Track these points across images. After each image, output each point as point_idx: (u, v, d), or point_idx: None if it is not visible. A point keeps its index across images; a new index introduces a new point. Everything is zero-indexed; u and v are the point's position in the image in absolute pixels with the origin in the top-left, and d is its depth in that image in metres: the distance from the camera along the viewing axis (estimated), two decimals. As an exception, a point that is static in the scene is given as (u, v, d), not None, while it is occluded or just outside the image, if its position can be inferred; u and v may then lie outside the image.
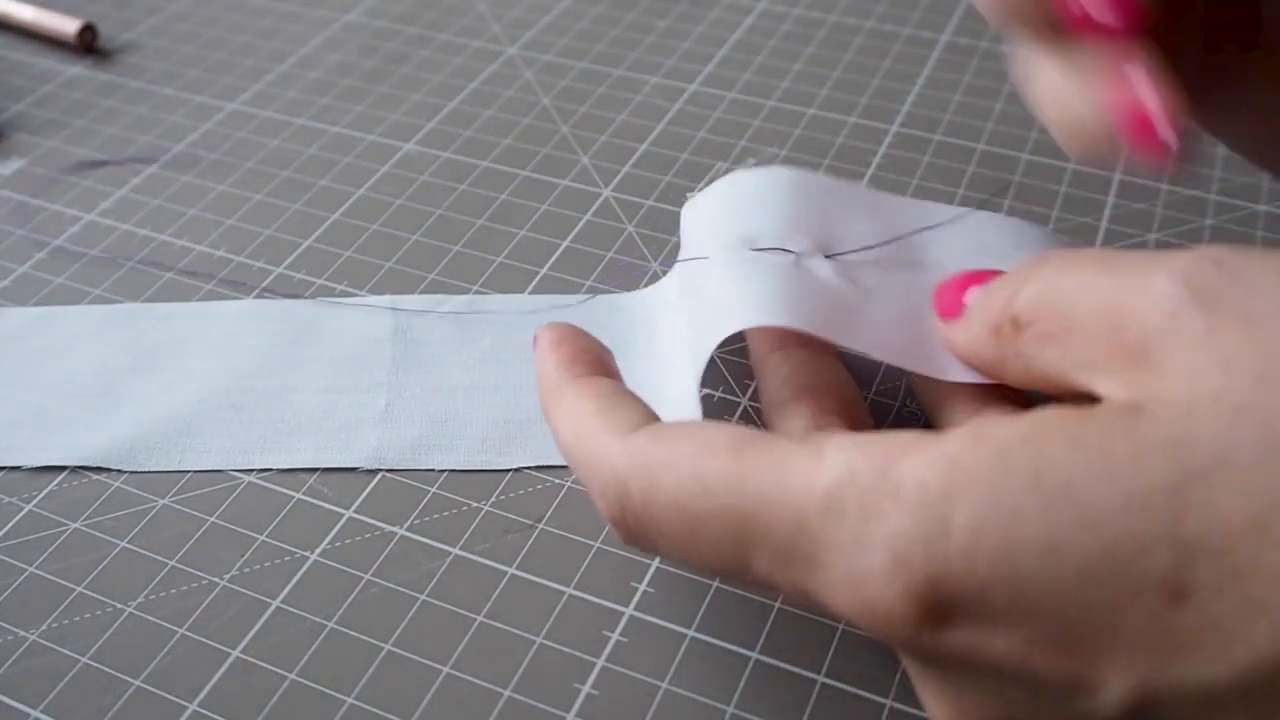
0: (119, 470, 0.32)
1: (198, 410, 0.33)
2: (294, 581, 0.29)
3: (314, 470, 0.31)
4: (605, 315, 0.35)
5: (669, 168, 0.42)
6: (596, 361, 0.26)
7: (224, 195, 0.42)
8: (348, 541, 0.30)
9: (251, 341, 0.35)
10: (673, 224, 0.39)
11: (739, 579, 0.23)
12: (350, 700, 0.26)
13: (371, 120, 0.46)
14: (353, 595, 0.28)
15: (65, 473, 0.32)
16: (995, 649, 0.18)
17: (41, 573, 0.29)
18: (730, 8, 0.52)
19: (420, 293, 0.37)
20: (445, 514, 0.30)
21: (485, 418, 0.32)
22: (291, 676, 0.27)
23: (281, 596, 0.28)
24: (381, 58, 0.50)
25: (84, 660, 0.27)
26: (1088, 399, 0.20)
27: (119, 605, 0.28)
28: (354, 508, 0.30)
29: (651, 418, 0.24)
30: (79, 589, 0.29)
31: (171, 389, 0.34)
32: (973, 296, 0.25)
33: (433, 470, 0.31)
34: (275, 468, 0.32)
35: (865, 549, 0.19)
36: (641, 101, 0.46)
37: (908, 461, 0.19)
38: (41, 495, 0.31)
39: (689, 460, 0.21)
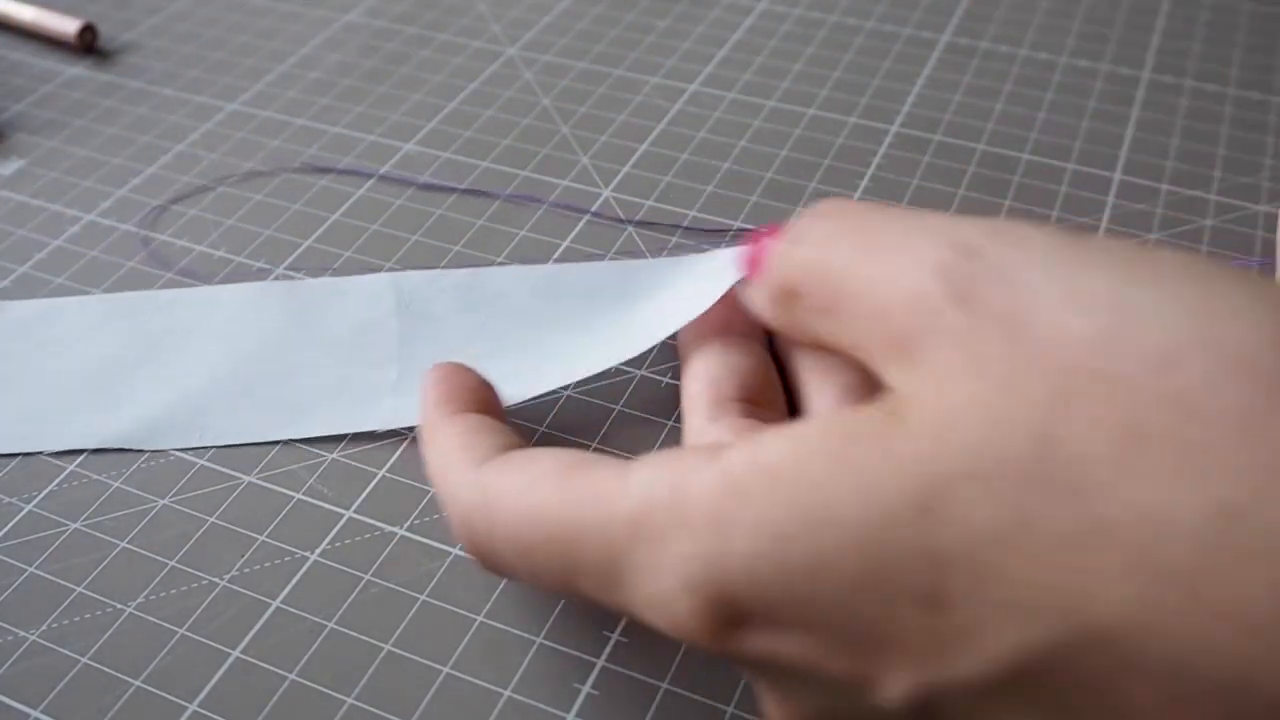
0: (121, 470, 0.32)
1: (210, 392, 0.33)
2: (294, 581, 0.29)
3: (314, 470, 0.31)
4: (606, 277, 0.35)
5: (669, 168, 0.42)
6: (473, 398, 0.28)
7: (225, 195, 0.42)
8: (348, 541, 0.30)
9: (256, 324, 0.35)
10: (673, 225, 0.39)
11: (583, 601, 0.25)
12: (350, 700, 0.26)
13: (371, 120, 0.46)
14: (353, 595, 0.28)
15: (65, 473, 0.32)
16: (788, 653, 0.19)
17: (41, 573, 0.29)
18: (730, 8, 0.52)
19: (420, 293, 0.37)
20: (445, 514, 0.30)
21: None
22: (291, 676, 0.27)
23: (281, 596, 0.28)
24: (381, 58, 0.50)
25: (84, 660, 0.27)
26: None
27: (119, 605, 0.28)
28: (354, 508, 0.30)
29: (511, 446, 0.25)
30: (79, 589, 0.29)
31: (180, 375, 0.34)
32: (765, 255, 0.25)
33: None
34: (295, 438, 0.32)
35: (660, 572, 0.20)
36: (641, 101, 0.46)
37: (693, 485, 0.20)
38: (41, 495, 0.31)
39: (519, 492, 0.23)
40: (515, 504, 0.23)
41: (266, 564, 0.29)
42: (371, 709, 0.26)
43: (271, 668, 0.27)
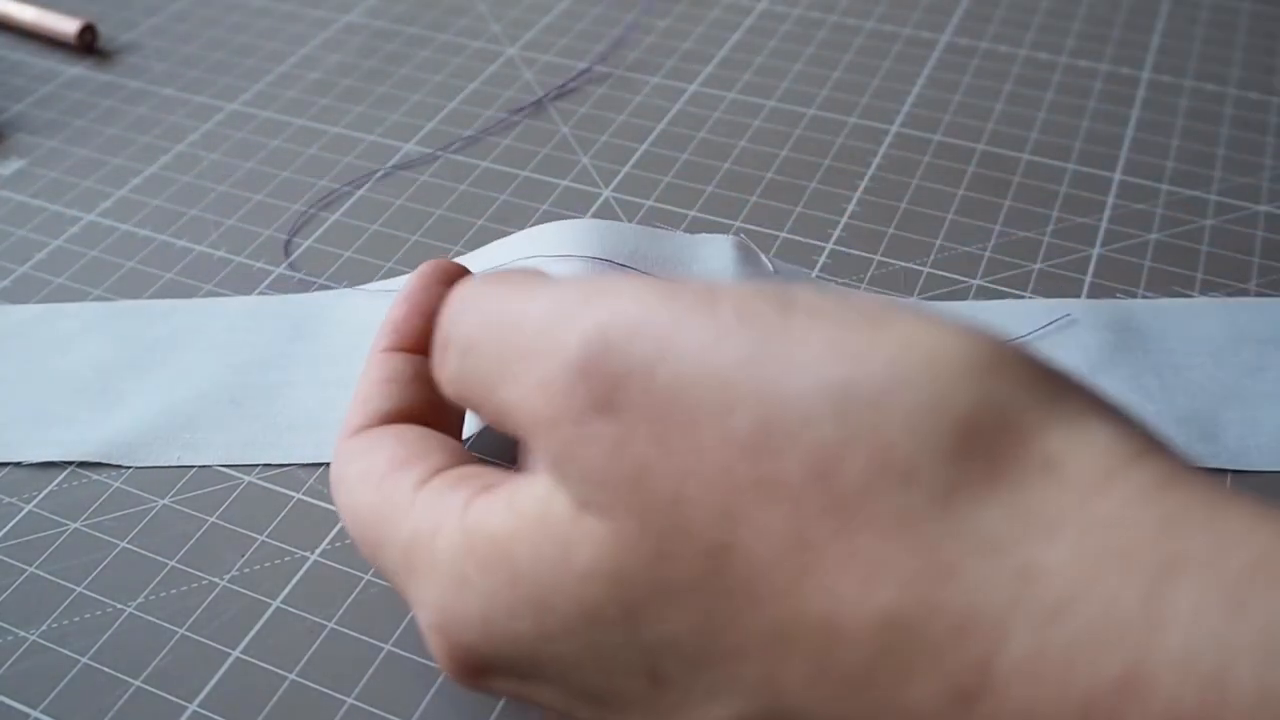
0: (121, 470, 0.32)
1: (197, 406, 0.33)
2: (294, 581, 0.29)
3: (314, 470, 0.31)
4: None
5: (669, 168, 0.42)
6: (423, 327, 0.26)
7: (224, 195, 0.42)
8: (348, 541, 0.30)
9: (250, 337, 0.35)
10: (673, 224, 0.39)
11: None
12: (350, 700, 0.26)
13: (371, 120, 0.46)
14: (353, 595, 0.28)
15: (65, 473, 0.32)
16: (538, 698, 0.20)
17: (41, 573, 0.29)
18: (730, 8, 0.52)
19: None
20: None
21: None
22: (291, 676, 0.27)
23: (281, 596, 0.28)
24: (381, 58, 0.50)
25: (84, 660, 0.27)
26: None
27: (119, 605, 0.28)
28: (354, 508, 0.30)
29: (403, 410, 0.25)
30: (79, 589, 0.29)
31: (171, 385, 0.34)
32: None
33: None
34: (275, 463, 0.32)
35: (418, 606, 0.21)
36: (641, 101, 0.46)
37: (443, 533, 0.21)
38: (41, 495, 0.31)
39: (353, 485, 0.23)
40: (346, 496, 0.24)
41: (266, 564, 0.29)
42: (371, 709, 0.26)
43: (271, 668, 0.27)
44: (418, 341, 0.26)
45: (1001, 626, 0.15)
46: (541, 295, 0.20)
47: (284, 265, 0.38)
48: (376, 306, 0.36)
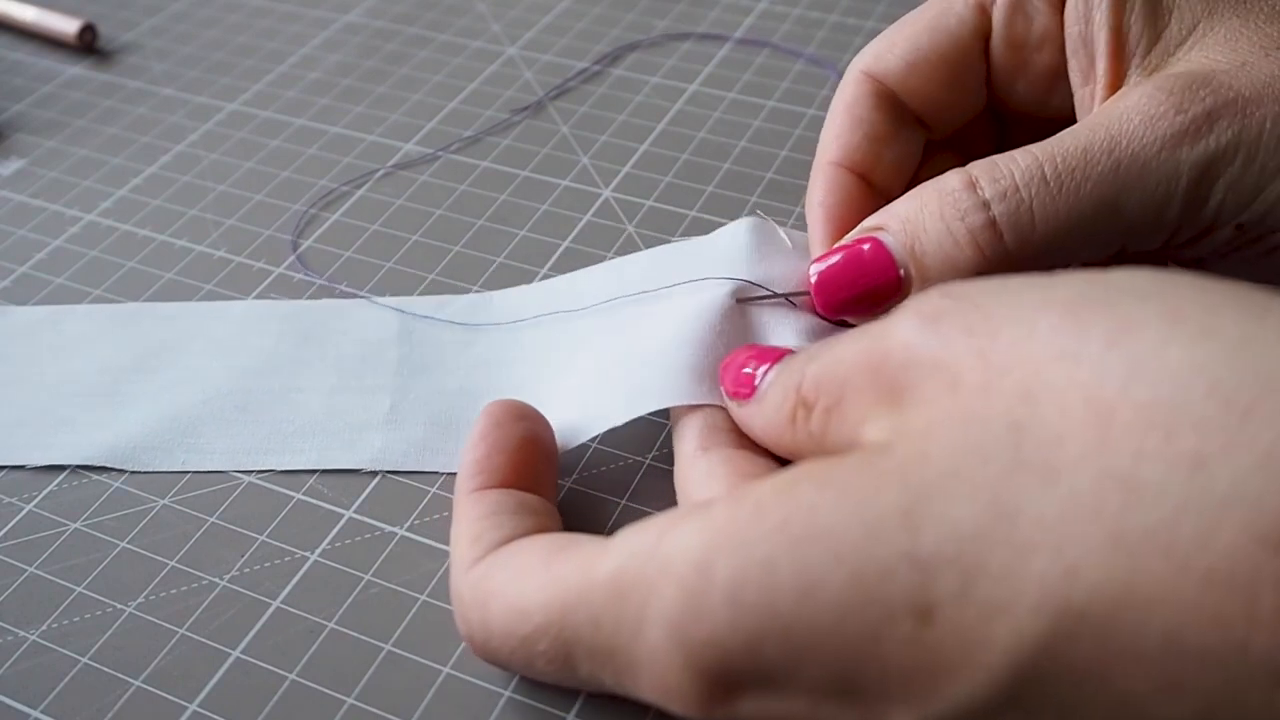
0: (121, 470, 0.32)
1: (202, 411, 0.33)
2: (294, 581, 0.29)
3: (314, 470, 0.31)
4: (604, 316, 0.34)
5: (669, 168, 0.42)
6: (506, 463, 0.27)
7: (224, 195, 0.42)
8: (348, 542, 0.30)
9: (257, 341, 0.35)
10: (674, 224, 0.39)
11: (587, 688, 0.24)
12: (350, 700, 0.26)
13: (371, 120, 0.46)
14: (353, 595, 0.28)
15: (65, 473, 0.32)
16: (785, 711, 0.19)
17: (41, 573, 0.29)
18: (730, 8, 0.52)
19: (420, 293, 0.37)
20: (445, 514, 0.30)
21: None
22: (291, 676, 0.27)
23: (281, 596, 0.28)
24: (381, 58, 0.50)
25: (84, 660, 0.27)
26: None
27: (119, 605, 0.28)
28: (354, 508, 0.30)
29: (526, 529, 0.25)
30: (79, 589, 0.29)
31: (176, 389, 0.34)
32: (766, 381, 0.25)
33: (433, 471, 0.31)
34: (278, 469, 0.31)
35: (646, 628, 0.20)
36: (641, 101, 0.46)
37: (675, 533, 0.20)
38: (41, 495, 0.31)
39: (507, 588, 0.23)
40: (504, 601, 0.23)
41: (266, 564, 0.29)
42: (371, 709, 0.26)
43: (271, 667, 0.27)
44: (505, 477, 0.26)
45: None
46: (866, 328, 0.22)
47: (284, 265, 0.38)
48: (385, 319, 0.36)
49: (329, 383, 0.34)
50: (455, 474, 0.31)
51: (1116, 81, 0.27)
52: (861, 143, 0.31)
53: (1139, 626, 0.16)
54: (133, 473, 0.31)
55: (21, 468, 0.32)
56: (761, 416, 0.25)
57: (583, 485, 0.31)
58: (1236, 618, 0.15)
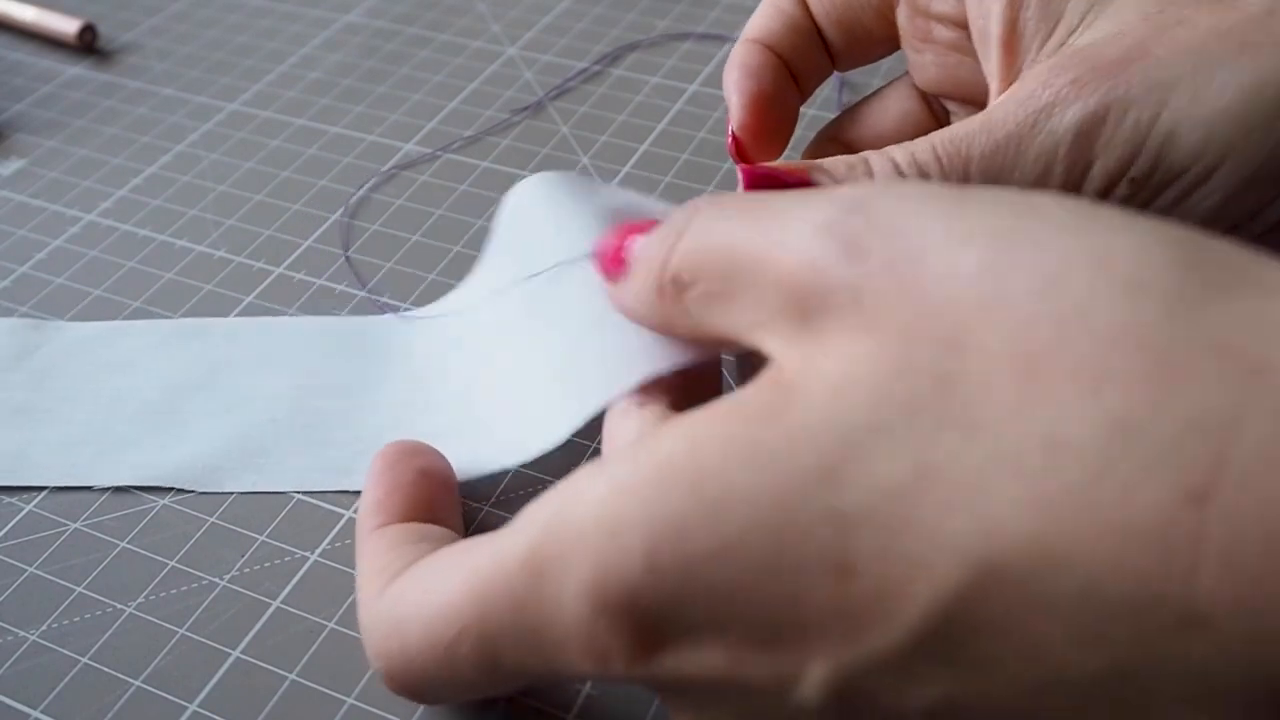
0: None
1: (270, 430, 0.32)
2: (294, 581, 0.29)
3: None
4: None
5: (669, 168, 0.42)
6: (403, 499, 0.27)
7: (224, 195, 0.42)
8: (348, 541, 0.30)
9: (319, 360, 0.35)
10: (673, 224, 0.39)
11: (513, 686, 0.24)
12: (350, 700, 0.26)
13: (371, 120, 0.46)
14: (353, 595, 0.28)
15: (65, 473, 0.32)
16: (707, 665, 0.19)
17: (41, 573, 0.29)
18: (730, 8, 0.52)
19: (420, 293, 0.37)
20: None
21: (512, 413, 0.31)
22: (291, 676, 0.27)
23: (281, 596, 0.28)
24: (381, 58, 0.50)
25: (84, 660, 0.27)
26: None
27: (119, 605, 0.28)
28: (354, 508, 0.30)
29: (421, 558, 0.24)
30: (79, 589, 0.29)
31: (241, 407, 0.33)
32: (633, 251, 0.24)
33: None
34: (351, 489, 0.31)
35: (566, 600, 0.19)
36: (641, 101, 0.46)
37: (582, 501, 0.20)
38: (42, 495, 0.31)
39: (424, 600, 0.22)
40: (421, 616, 0.22)
41: (266, 564, 0.29)
42: (371, 709, 0.26)
43: (271, 667, 0.27)
44: (404, 512, 0.26)
45: (1236, 422, 0.15)
46: (756, 214, 0.21)
47: (284, 265, 0.38)
48: (436, 332, 0.35)
49: (394, 399, 0.33)
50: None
51: (1008, 74, 0.28)
52: (782, 30, 0.33)
53: (1056, 581, 0.16)
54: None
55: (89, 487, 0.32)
56: (630, 290, 0.24)
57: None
58: (1153, 571, 0.15)
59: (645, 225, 0.24)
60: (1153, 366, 0.16)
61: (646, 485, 0.19)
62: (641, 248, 0.24)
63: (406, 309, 0.36)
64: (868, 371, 0.18)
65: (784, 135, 0.33)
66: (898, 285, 0.18)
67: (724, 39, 0.49)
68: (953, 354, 0.17)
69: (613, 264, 0.25)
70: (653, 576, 0.18)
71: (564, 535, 0.20)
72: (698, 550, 0.18)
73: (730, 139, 0.32)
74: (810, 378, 0.18)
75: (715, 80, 0.47)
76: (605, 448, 0.25)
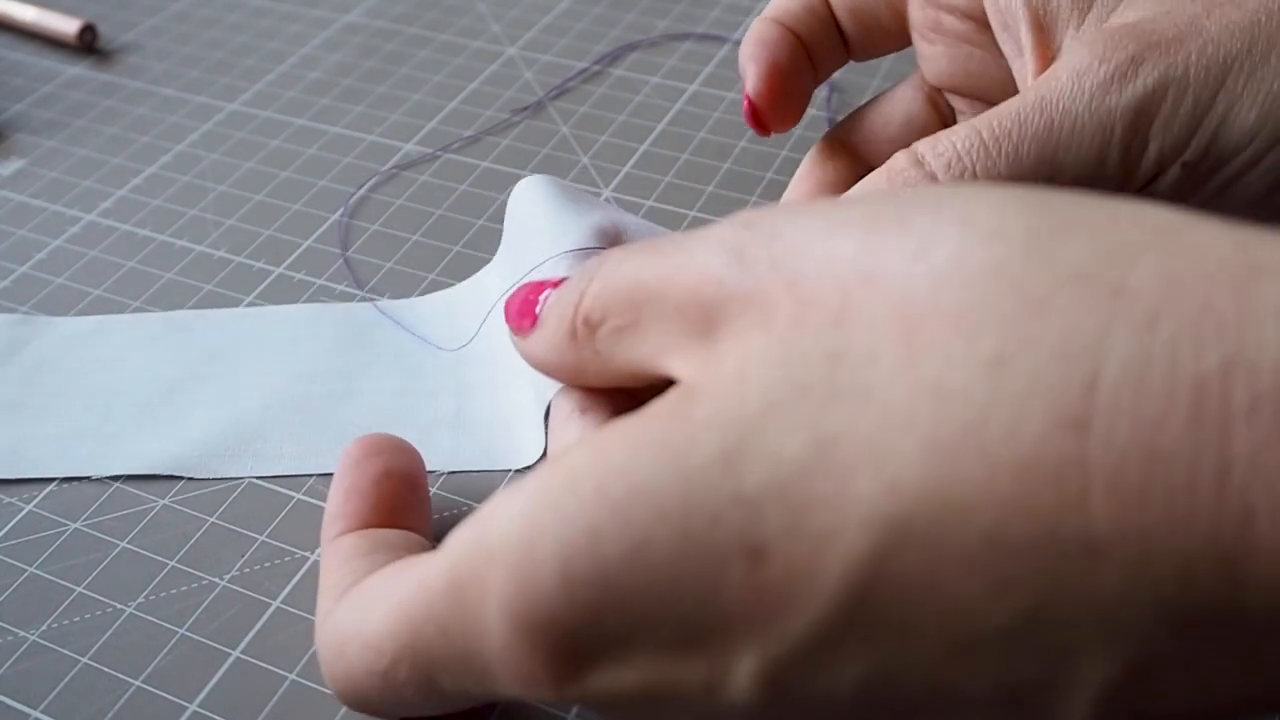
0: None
1: (264, 416, 0.33)
2: (294, 581, 0.29)
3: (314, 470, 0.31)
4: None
5: (669, 168, 0.42)
6: (363, 504, 0.26)
7: (224, 195, 0.42)
8: (348, 541, 0.30)
9: (311, 346, 0.35)
10: (674, 224, 0.39)
11: (459, 706, 0.24)
12: (350, 700, 0.26)
13: (371, 120, 0.46)
14: (353, 595, 0.28)
15: (65, 473, 0.32)
16: (634, 679, 0.18)
17: (41, 573, 0.29)
18: (730, 8, 0.52)
19: (421, 293, 0.37)
20: (445, 514, 0.30)
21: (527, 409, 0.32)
22: (291, 677, 0.27)
23: (281, 596, 0.28)
24: (381, 58, 0.50)
25: (84, 660, 0.27)
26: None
27: (119, 605, 0.28)
28: (354, 508, 0.30)
29: (369, 574, 0.24)
30: (79, 589, 0.29)
31: (235, 396, 0.33)
32: (544, 304, 0.24)
33: (432, 472, 0.31)
34: None
35: (488, 622, 0.19)
36: (641, 101, 0.46)
37: (498, 518, 0.19)
38: (41, 495, 0.31)
39: (360, 627, 0.22)
40: (358, 641, 0.22)
41: (266, 564, 0.29)
42: (371, 709, 0.26)
43: (271, 667, 0.27)
44: (364, 518, 0.26)
45: (1101, 343, 0.16)
46: (660, 249, 0.21)
47: (284, 265, 0.38)
48: (436, 319, 0.35)
49: (391, 384, 0.33)
50: (455, 472, 0.31)
51: (1045, 51, 0.27)
52: (800, 12, 0.33)
53: (962, 530, 0.16)
54: (132, 473, 0.31)
55: (86, 479, 0.32)
56: (541, 340, 0.24)
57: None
58: (1049, 504, 0.15)
59: (555, 281, 0.25)
60: (1020, 303, 0.16)
61: (557, 494, 0.19)
62: (554, 297, 0.24)
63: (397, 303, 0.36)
64: (759, 360, 0.18)
65: (799, 106, 0.33)
66: (784, 280, 0.19)
67: (724, 39, 0.49)
68: (838, 331, 0.18)
69: (521, 317, 0.25)
70: (569, 590, 0.18)
71: (481, 555, 0.19)
72: (611, 555, 0.18)
73: (746, 104, 0.32)
74: (709, 378, 0.19)
75: (715, 80, 0.47)
76: (550, 459, 0.25)
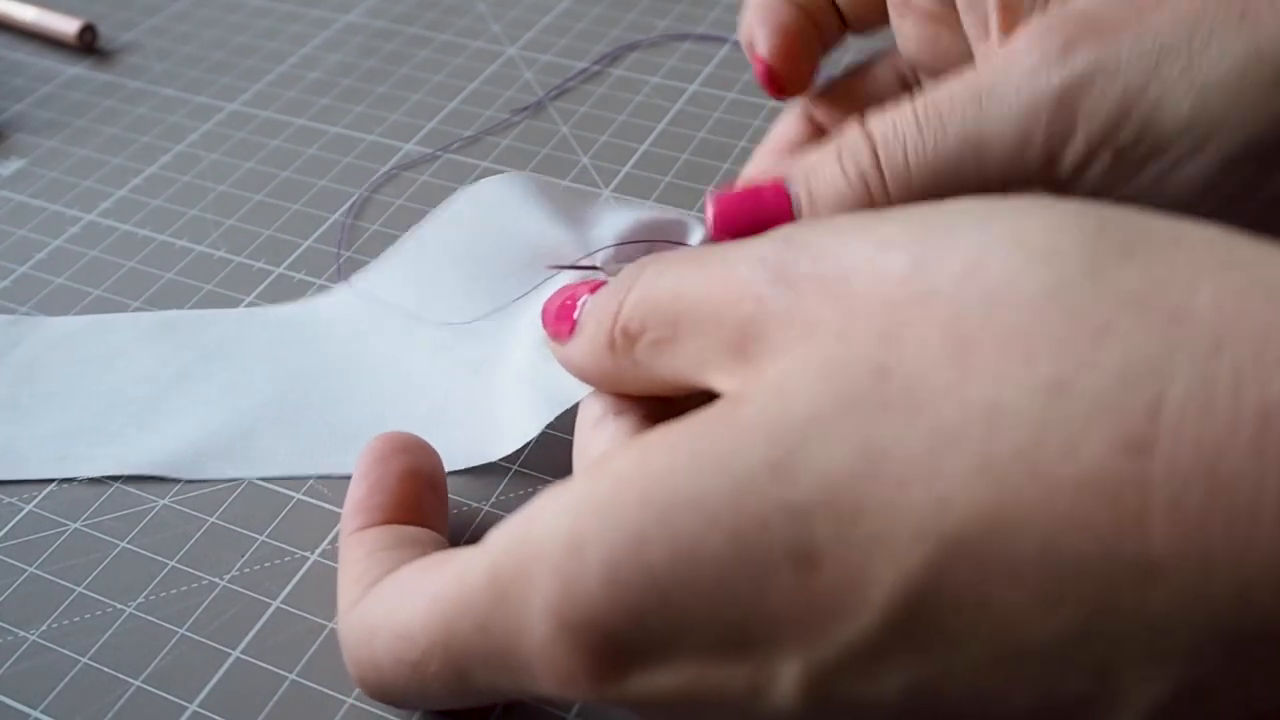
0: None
1: (258, 415, 0.33)
2: (294, 581, 0.29)
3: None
4: None
5: (669, 168, 0.42)
6: (387, 500, 0.27)
7: (224, 195, 0.42)
8: (348, 541, 0.30)
9: (302, 346, 0.35)
10: (673, 224, 0.39)
11: (486, 701, 0.24)
12: (350, 700, 0.26)
13: (371, 120, 0.46)
14: (353, 595, 0.28)
15: (65, 473, 0.32)
16: (677, 682, 0.18)
17: (41, 573, 0.29)
18: (729, 7, 0.52)
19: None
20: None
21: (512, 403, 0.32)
22: (291, 677, 0.27)
23: (281, 596, 0.28)
24: (381, 58, 0.50)
25: (84, 660, 0.27)
26: (713, 397, 0.20)
27: (119, 605, 0.28)
28: (354, 508, 0.30)
29: (396, 567, 0.24)
30: (79, 589, 0.29)
31: (228, 395, 0.33)
32: (582, 311, 0.24)
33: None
34: (342, 473, 0.31)
35: (530, 621, 0.19)
36: (641, 101, 0.46)
37: (542, 519, 0.20)
38: (41, 495, 0.31)
39: (391, 618, 0.22)
40: (388, 632, 0.22)
41: (266, 564, 0.29)
42: (371, 709, 0.26)
43: (271, 668, 0.27)
44: (387, 514, 0.26)
45: (1164, 369, 0.16)
46: (699, 261, 0.22)
47: (284, 265, 0.38)
48: (405, 287, 0.35)
49: (383, 382, 0.33)
50: (455, 472, 0.31)
51: (1009, 32, 0.27)
52: None
53: (1014, 545, 0.16)
54: (132, 473, 0.31)
55: (75, 479, 0.32)
56: (579, 347, 0.24)
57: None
58: (1105, 523, 0.15)
59: (593, 285, 0.25)
60: (1078, 327, 0.16)
61: (603, 500, 0.19)
62: (592, 304, 0.24)
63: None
64: (803, 371, 0.18)
65: (810, 70, 0.33)
66: (830, 298, 0.19)
67: (724, 39, 0.49)
68: (886, 346, 0.18)
69: (559, 322, 0.25)
70: (614, 593, 0.18)
71: (525, 554, 0.20)
72: (656, 560, 0.18)
73: (760, 67, 0.32)
74: (753, 389, 0.19)
75: (715, 80, 0.47)
76: (576, 459, 0.25)
